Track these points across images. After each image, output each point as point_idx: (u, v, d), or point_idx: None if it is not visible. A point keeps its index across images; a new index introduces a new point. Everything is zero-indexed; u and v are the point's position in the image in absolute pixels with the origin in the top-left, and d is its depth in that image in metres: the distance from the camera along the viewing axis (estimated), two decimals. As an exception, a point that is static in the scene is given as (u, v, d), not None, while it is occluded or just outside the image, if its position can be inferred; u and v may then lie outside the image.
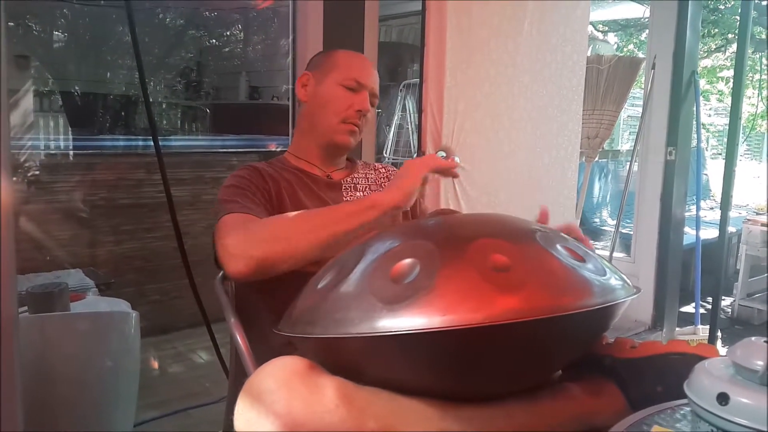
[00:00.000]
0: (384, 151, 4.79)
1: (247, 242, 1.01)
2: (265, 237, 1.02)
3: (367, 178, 1.40)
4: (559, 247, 0.79)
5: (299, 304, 0.86)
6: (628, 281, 0.83)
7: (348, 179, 1.37)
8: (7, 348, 0.89)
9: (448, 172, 1.10)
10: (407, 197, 1.05)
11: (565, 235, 0.89)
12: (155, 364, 2.74)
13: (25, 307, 1.60)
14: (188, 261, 1.78)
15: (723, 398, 0.59)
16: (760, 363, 0.59)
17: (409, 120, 4.63)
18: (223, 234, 1.05)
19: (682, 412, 0.68)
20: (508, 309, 0.68)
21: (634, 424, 0.69)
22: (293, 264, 1.02)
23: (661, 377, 0.83)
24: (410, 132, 4.57)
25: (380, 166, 1.48)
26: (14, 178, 2.71)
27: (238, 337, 1.10)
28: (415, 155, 1.97)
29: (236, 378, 1.22)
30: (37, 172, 2.92)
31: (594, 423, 0.83)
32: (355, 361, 0.75)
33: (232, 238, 1.02)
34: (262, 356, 1.01)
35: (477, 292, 0.70)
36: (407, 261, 0.76)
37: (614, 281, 0.79)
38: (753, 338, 0.63)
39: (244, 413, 0.72)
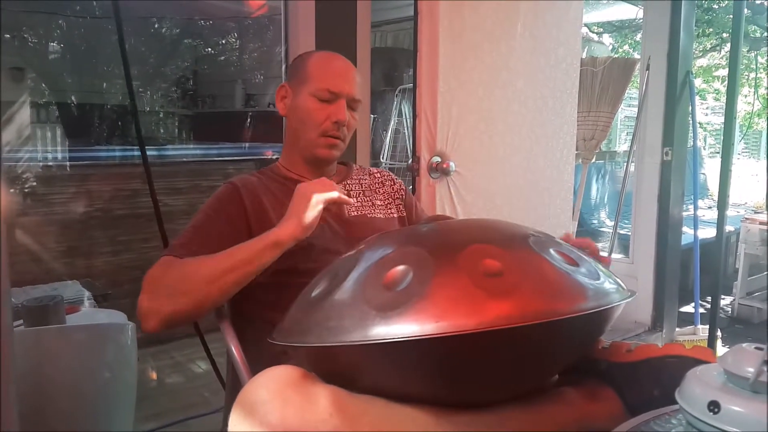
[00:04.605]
0: (381, 156, 4.79)
1: (158, 300, 1.05)
2: (172, 292, 1.05)
3: (361, 184, 1.39)
4: (552, 251, 0.79)
5: (293, 313, 0.86)
6: (623, 284, 0.82)
7: (340, 185, 1.36)
8: (3, 362, 0.89)
9: (339, 203, 1.11)
10: (307, 229, 1.06)
11: (561, 241, 0.88)
12: (153, 375, 2.73)
13: (21, 321, 1.59)
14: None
15: (714, 406, 0.58)
16: (751, 370, 0.58)
17: (405, 125, 4.63)
18: (145, 284, 1.08)
19: (678, 417, 0.68)
20: (500, 315, 0.67)
21: (630, 430, 0.69)
22: (203, 311, 1.08)
23: (657, 381, 0.83)
24: (407, 137, 4.58)
25: (375, 171, 1.46)
26: (11, 190, 2.71)
27: (233, 347, 1.10)
28: (411, 161, 1.97)
29: (233, 388, 1.21)
30: (34, 184, 2.91)
31: (591, 428, 0.82)
32: (349, 369, 0.75)
33: (144, 298, 1.06)
34: (257, 365, 1.01)
35: (469, 298, 0.69)
36: (400, 268, 0.76)
37: (608, 285, 0.78)
38: (744, 345, 0.62)
39: (238, 425, 0.72)
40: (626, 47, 8.34)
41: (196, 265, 1.07)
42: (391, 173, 1.50)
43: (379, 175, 1.45)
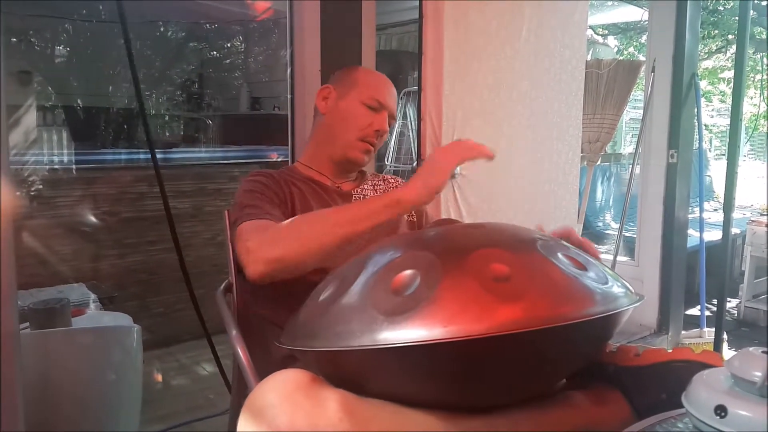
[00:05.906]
0: (385, 159, 4.79)
1: (266, 244, 1.02)
2: (283, 238, 1.03)
3: (376, 190, 1.42)
4: (560, 255, 0.79)
5: (301, 317, 0.86)
6: (631, 288, 0.82)
7: (357, 190, 1.39)
8: (8, 365, 0.89)
9: (482, 155, 1.06)
10: (432, 194, 1.01)
11: (566, 243, 0.88)
12: (158, 378, 2.73)
13: (27, 324, 1.60)
14: (189, 273, 1.78)
15: (721, 410, 0.58)
16: (759, 374, 0.58)
17: (410, 127, 4.63)
18: (243, 238, 1.06)
19: (685, 420, 0.68)
20: (509, 319, 0.67)
21: (638, 433, 0.69)
22: (313, 263, 1.03)
23: (665, 385, 0.83)
24: (411, 139, 4.57)
25: (390, 178, 1.50)
26: (17, 193, 2.72)
27: (239, 350, 1.10)
28: (415, 163, 1.97)
29: (239, 390, 1.21)
30: (40, 187, 2.92)
31: (599, 431, 0.82)
32: (357, 374, 0.75)
33: (252, 242, 1.03)
34: (264, 368, 1.01)
35: (478, 303, 0.69)
36: (408, 272, 0.76)
37: (616, 289, 0.78)
38: (751, 349, 0.61)
39: (246, 428, 0.72)
40: (631, 49, 8.30)
41: (306, 218, 1.07)
42: (404, 181, 1.52)
43: (393, 181, 1.49)
